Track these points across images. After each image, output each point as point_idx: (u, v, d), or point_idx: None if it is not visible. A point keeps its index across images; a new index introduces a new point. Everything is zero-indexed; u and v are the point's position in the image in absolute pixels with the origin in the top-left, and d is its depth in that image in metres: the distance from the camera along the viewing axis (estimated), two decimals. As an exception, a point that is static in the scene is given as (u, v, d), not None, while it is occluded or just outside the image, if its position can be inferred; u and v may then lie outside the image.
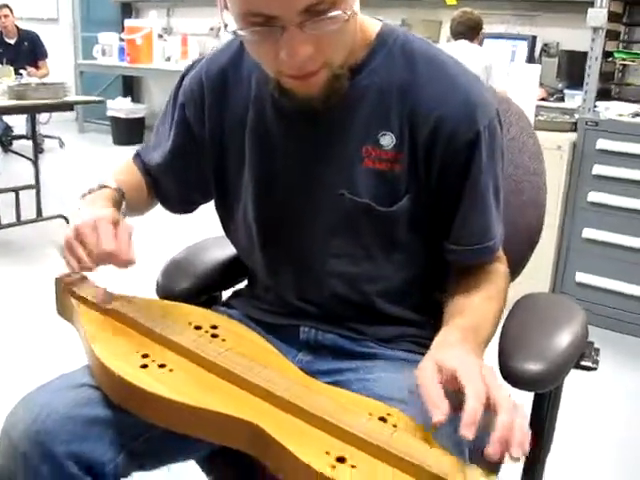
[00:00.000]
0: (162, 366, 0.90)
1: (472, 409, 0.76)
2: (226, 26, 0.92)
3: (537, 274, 3.05)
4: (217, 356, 0.90)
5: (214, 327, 1.00)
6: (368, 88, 1.01)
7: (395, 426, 0.79)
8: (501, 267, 1.11)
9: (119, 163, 1.25)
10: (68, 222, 3.83)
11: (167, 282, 1.27)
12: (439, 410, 0.76)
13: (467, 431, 0.74)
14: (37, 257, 3.66)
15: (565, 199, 3.08)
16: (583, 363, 1.08)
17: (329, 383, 1.01)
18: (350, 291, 1.09)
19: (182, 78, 1.17)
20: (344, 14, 0.87)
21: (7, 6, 6.55)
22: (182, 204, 1.26)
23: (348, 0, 0.88)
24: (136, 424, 0.91)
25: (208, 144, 1.14)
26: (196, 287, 1.26)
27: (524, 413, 0.77)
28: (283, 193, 1.08)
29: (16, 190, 3.87)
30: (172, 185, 1.21)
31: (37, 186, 3.98)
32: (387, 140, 1.01)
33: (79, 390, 0.95)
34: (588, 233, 3.04)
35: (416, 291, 1.12)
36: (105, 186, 1.11)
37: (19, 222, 3.89)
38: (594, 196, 3.00)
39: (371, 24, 1.04)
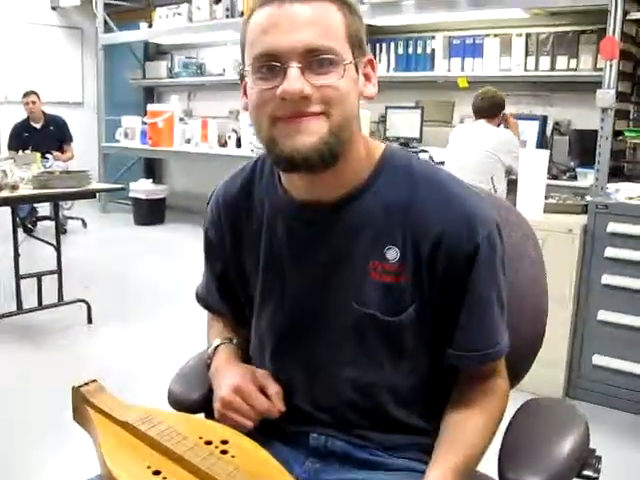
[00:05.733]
0: (172, 485, 0.93)
1: None
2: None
3: (553, 357, 3.04)
4: (226, 477, 0.93)
5: (224, 442, 1.03)
6: (373, 208, 1.08)
7: None
8: (502, 384, 1.14)
9: (208, 323, 1.36)
10: (89, 307, 3.82)
11: (178, 392, 1.28)
12: None
13: None
14: (56, 343, 3.68)
15: (579, 282, 3.08)
16: (585, 473, 1.08)
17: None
18: (360, 398, 1.12)
19: (207, 205, 1.26)
20: (339, 58, 0.98)
21: (35, 92, 6.78)
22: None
23: (343, 54, 0.99)
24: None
25: (231, 264, 1.23)
26: (207, 397, 1.26)
27: None
28: (294, 306, 1.14)
29: (38, 275, 3.89)
30: (231, 310, 1.30)
31: (59, 271, 4.00)
32: (392, 254, 1.07)
33: None
34: (603, 315, 3.03)
35: (425, 398, 1.15)
36: (220, 344, 1.24)
37: (40, 307, 3.91)
38: (607, 279, 3.00)
39: (375, 145, 1.12)
